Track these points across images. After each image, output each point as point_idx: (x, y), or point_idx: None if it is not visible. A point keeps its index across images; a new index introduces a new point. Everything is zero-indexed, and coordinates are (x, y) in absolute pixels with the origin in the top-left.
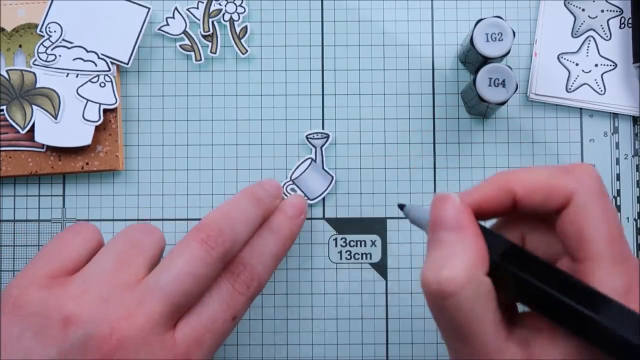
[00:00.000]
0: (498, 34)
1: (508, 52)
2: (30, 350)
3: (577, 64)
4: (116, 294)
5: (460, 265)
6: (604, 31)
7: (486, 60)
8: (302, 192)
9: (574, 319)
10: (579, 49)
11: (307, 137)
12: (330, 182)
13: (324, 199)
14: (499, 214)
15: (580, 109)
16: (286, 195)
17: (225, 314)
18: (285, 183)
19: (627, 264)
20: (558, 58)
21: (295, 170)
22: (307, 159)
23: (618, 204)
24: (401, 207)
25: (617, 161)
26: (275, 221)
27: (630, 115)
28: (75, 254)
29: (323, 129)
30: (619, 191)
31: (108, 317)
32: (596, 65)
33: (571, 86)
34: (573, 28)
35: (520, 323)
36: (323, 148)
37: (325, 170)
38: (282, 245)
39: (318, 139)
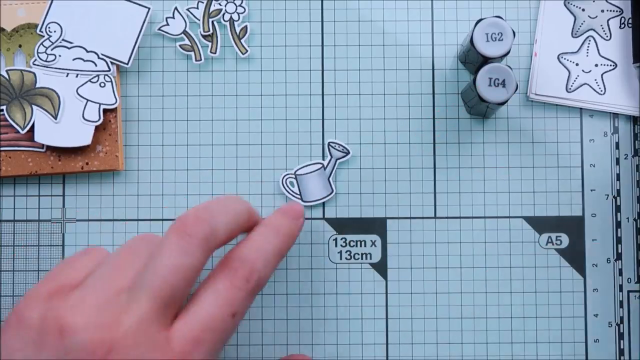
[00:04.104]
0: (498, 34)
1: (508, 52)
2: None
3: (577, 64)
4: (110, 299)
5: None
6: (604, 31)
7: (486, 60)
8: (299, 189)
9: None
10: (579, 49)
11: (329, 144)
12: (329, 195)
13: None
14: None
15: (580, 109)
16: (286, 188)
17: (223, 311)
18: (286, 175)
19: None
20: (558, 58)
21: (302, 167)
22: (318, 163)
23: (618, 204)
24: None
25: (617, 161)
26: (273, 220)
27: (630, 115)
28: (80, 271)
29: (323, 129)
30: (619, 191)
31: (101, 322)
32: (596, 65)
33: (571, 86)
34: (573, 28)
35: None
36: (338, 161)
37: (329, 182)
38: (283, 242)
39: (339, 151)
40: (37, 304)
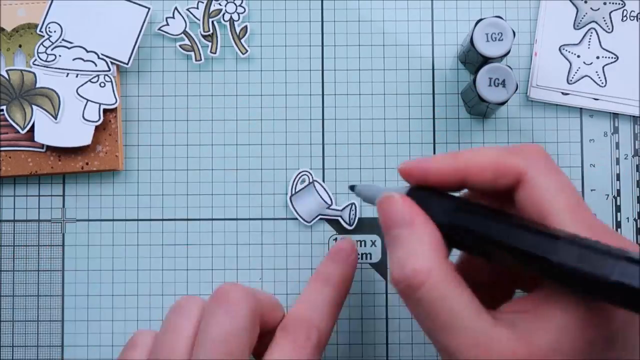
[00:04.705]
0: (498, 34)
1: (508, 52)
2: None
3: (578, 56)
4: None
5: (421, 256)
6: (605, 23)
7: (486, 60)
8: (296, 212)
9: (535, 263)
10: (581, 40)
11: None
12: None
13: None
14: (446, 189)
15: (581, 109)
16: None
17: None
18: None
19: (593, 228)
20: (560, 49)
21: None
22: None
23: (618, 204)
24: (352, 187)
25: (617, 161)
26: (322, 269)
27: (630, 115)
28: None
29: (323, 129)
30: (619, 191)
31: None
32: (597, 57)
33: (572, 78)
34: (575, 20)
35: (504, 310)
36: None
37: (322, 197)
38: (335, 291)
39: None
40: None
